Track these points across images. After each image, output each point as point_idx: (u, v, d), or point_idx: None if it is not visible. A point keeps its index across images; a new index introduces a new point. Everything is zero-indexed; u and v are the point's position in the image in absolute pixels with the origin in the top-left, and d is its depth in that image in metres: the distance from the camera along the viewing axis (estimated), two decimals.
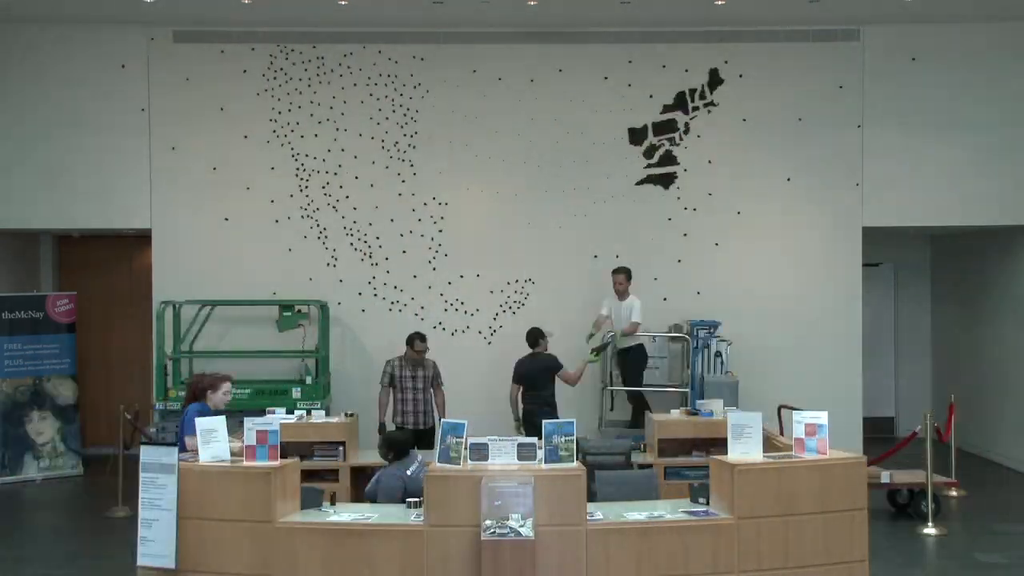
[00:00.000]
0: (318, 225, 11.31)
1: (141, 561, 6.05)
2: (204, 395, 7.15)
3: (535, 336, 9.73)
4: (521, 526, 5.63)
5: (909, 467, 9.70)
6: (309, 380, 10.56)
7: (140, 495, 6.08)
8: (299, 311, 10.91)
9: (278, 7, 10.60)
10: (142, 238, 11.80)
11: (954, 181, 11.24)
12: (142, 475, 6.10)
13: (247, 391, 10.32)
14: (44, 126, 11.17)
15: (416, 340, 9.58)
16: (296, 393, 10.36)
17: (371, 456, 8.28)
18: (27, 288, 12.12)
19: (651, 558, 5.89)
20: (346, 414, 9.05)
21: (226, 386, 7.27)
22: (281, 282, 11.22)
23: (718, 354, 10.49)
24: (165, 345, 10.67)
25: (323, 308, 10.89)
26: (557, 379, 9.71)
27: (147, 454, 6.19)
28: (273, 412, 9.10)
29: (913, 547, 8.58)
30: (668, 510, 6.28)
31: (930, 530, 8.90)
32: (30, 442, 11.29)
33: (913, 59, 11.27)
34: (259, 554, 6.04)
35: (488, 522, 5.70)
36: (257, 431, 6.15)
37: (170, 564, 5.96)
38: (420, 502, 6.15)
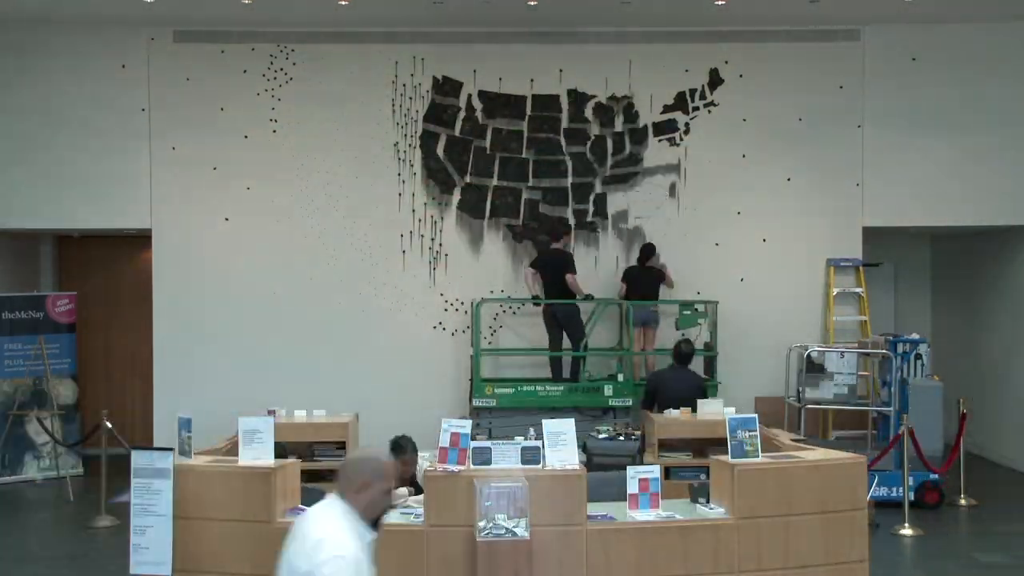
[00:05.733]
0: (318, 225, 11.30)
1: (135, 570, 5.90)
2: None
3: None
4: (515, 526, 5.62)
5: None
6: (621, 378, 10.39)
7: (131, 501, 5.89)
8: (696, 309, 10.77)
9: (278, 7, 10.59)
10: (142, 238, 11.79)
11: (954, 181, 11.24)
12: (134, 480, 5.91)
13: (560, 388, 10.33)
14: (44, 126, 11.16)
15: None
16: (608, 391, 10.28)
17: None
18: (27, 288, 12.11)
19: (651, 558, 5.88)
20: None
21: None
22: (281, 282, 11.22)
23: (919, 356, 10.23)
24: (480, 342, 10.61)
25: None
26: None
27: (139, 458, 5.94)
28: (274, 412, 9.13)
29: (913, 546, 8.59)
30: (668, 510, 6.27)
31: (906, 531, 8.78)
32: (30, 442, 11.29)
33: (913, 59, 11.27)
34: (259, 554, 6.03)
35: (482, 523, 5.69)
36: (451, 432, 5.98)
37: (166, 572, 5.82)
38: None
